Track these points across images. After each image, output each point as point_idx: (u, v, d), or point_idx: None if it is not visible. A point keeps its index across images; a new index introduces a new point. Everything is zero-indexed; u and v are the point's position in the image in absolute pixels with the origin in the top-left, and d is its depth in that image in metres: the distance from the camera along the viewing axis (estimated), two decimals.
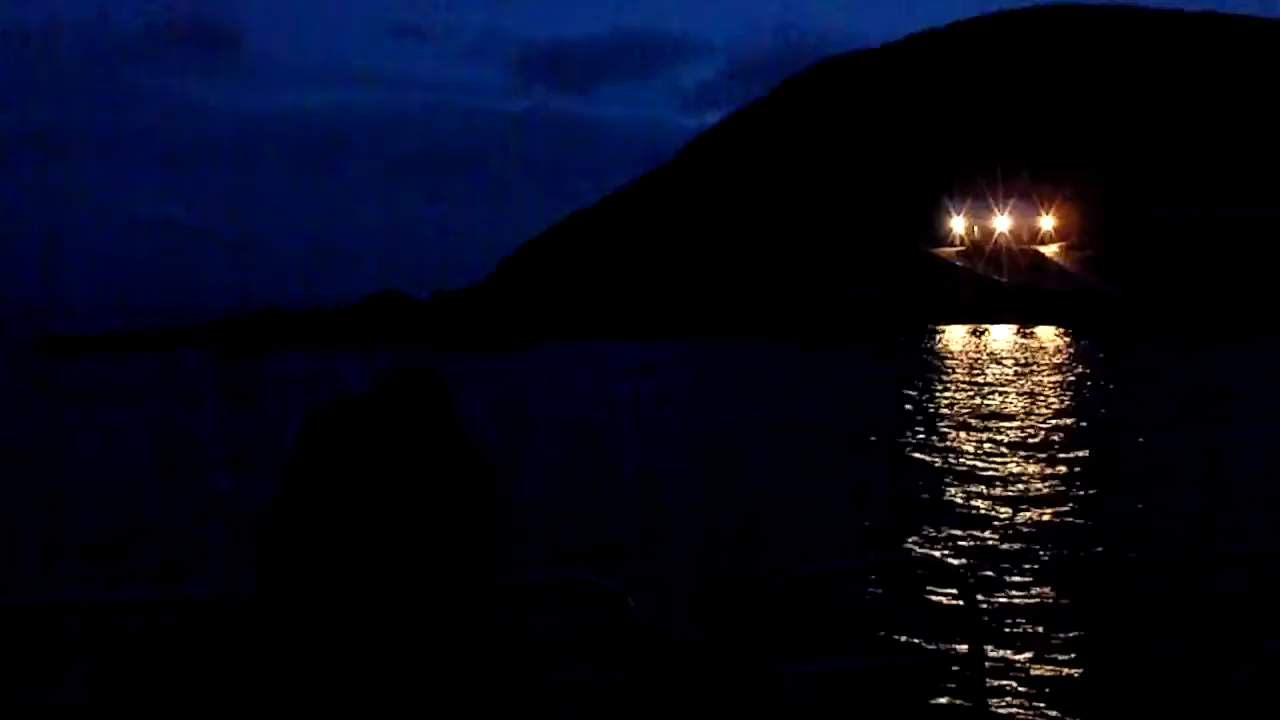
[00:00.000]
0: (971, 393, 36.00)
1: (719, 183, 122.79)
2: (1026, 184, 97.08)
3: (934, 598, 10.23)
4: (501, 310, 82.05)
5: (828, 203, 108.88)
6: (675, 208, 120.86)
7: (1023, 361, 49.20)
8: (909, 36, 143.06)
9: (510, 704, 3.83)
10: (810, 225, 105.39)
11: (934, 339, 67.03)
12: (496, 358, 56.33)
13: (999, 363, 48.94)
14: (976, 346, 61.70)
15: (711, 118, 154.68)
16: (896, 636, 9.70)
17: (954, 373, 44.43)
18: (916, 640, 9.73)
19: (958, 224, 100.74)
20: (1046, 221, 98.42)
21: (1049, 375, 42.21)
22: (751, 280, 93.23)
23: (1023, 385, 38.10)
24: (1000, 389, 36.96)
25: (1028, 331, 71.64)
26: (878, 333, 68.17)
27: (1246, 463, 20.26)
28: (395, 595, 3.03)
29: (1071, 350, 56.85)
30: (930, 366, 47.58)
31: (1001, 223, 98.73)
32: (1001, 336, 68.11)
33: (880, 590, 10.38)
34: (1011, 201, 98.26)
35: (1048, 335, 67.85)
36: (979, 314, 77.74)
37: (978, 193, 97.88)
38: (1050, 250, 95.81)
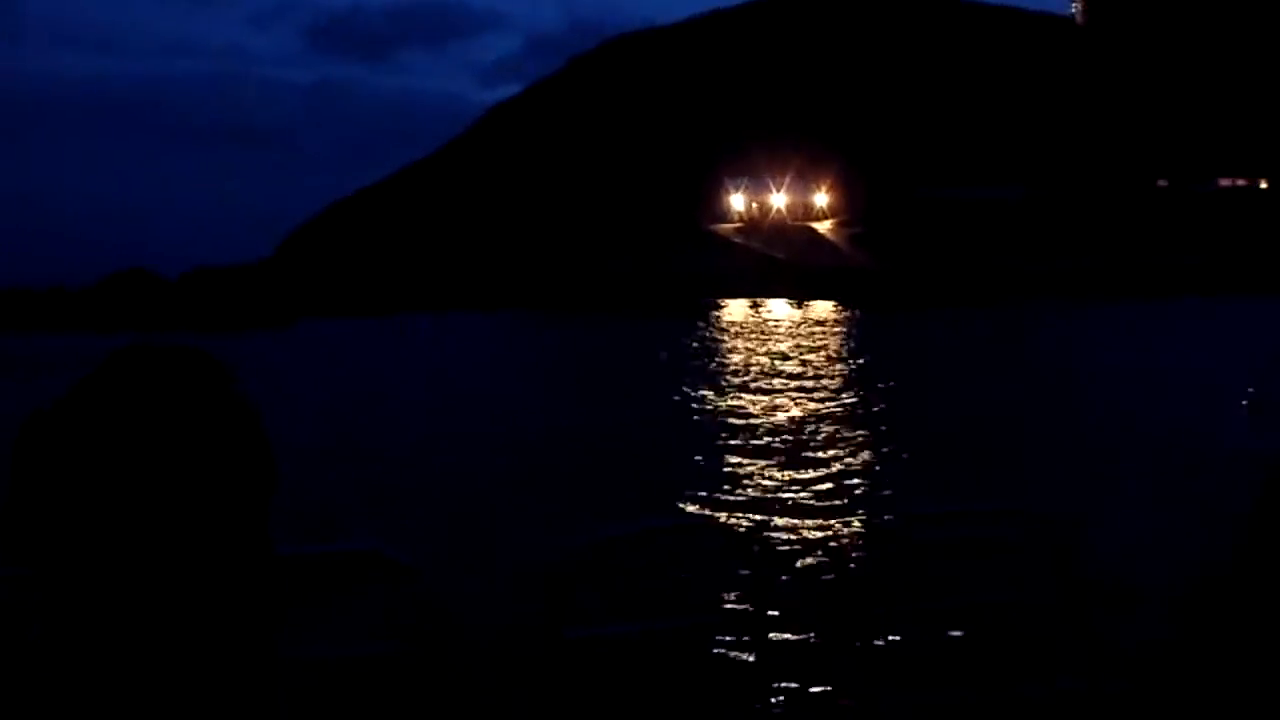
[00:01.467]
0: (748, 358, 37.04)
1: (509, 158, 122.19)
2: (803, 162, 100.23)
3: (718, 560, 10.44)
4: (270, 288, 79.10)
5: (612, 180, 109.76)
6: (465, 183, 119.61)
7: (796, 331, 50.88)
8: (696, 16, 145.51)
9: (294, 680, 3.67)
10: (594, 201, 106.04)
11: (716, 312, 68.60)
12: (250, 337, 54.36)
13: (775, 331, 50.49)
14: (755, 318, 63.49)
15: (509, 92, 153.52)
16: (683, 599, 9.85)
17: (734, 340, 45.62)
18: (703, 601, 9.91)
19: (737, 201, 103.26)
20: (820, 199, 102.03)
21: (817, 343, 43.80)
22: (536, 254, 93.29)
23: (793, 352, 39.42)
24: (776, 356, 38.15)
25: (803, 304, 74.10)
26: (659, 304, 69.27)
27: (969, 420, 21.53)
28: (162, 576, 2.84)
29: (840, 321, 59.17)
30: (711, 336, 48.66)
31: (778, 200, 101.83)
32: (779, 309, 70.25)
33: (667, 554, 10.52)
34: (788, 179, 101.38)
35: (821, 308, 70.36)
36: (758, 288, 79.87)
37: (757, 171, 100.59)
38: (823, 226, 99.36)
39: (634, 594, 9.70)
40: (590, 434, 21.22)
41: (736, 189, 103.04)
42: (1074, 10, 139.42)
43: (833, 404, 25.54)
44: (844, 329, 53.66)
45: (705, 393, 28.32)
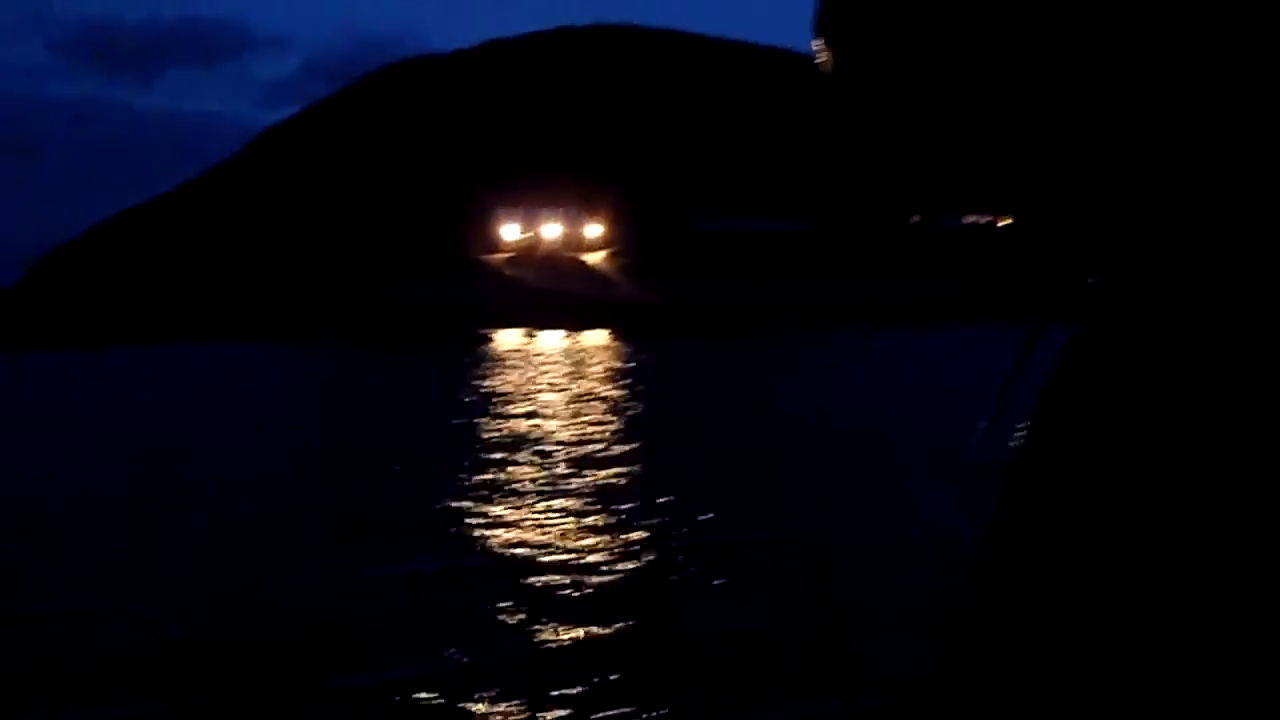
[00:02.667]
0: (519, 388, 37.06)
1: (279, 183, 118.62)
2: (575, 194, 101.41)
3: (487, 598, 10.39)
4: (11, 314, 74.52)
5: (384, 208, 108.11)
6: (233, 207, 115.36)
7: (566, 360, 51.22)
8: (475, 45, 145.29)
9: None
10: (366, 230, 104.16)
11: (487, 343, 68.35)
12: None
13: (544, 362, 50.67)
14: (527, 348, 63.55)
15: (287, 115, 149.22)
16: (451, 644, 9.73)
17: (503, 372, 45.53)
18: (473, 643, 9.84)
19: (510, 231, 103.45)
20: (593, 230, 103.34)
21: (583, 374, 44.24)
22: (303, 282, 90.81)
23: (560, 382, 39.68)
24: (540, 388, 38.28)
25: (575, 334, 74.67)
26: (428, 336, 68.54)
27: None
28: None
29: (610, 350, 59.92)
30: (478, 366, 48.44)
31: (551, 231, 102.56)
32: (551, 339, 70.53)
33: (441, 597, 10.41)
34: (561, 211, 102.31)
35: (593, 338, 71.05)
36: (530, 318, 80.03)
37: (530, 202, 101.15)
38: (595, 258, 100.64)
39: (400, 638, 9.56)
40: (334, 469, 20.79)
41: (509, 219, 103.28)
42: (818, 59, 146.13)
43: (596, 433, 25.80)
44: (611, 359, 54.36)
45: (476, 419, 28.19)
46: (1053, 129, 0.89)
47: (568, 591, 11.90)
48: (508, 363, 51.81)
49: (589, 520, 16.00)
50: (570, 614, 10.97)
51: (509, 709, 8.57)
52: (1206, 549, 0.75)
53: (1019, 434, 0.91)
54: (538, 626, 10.16)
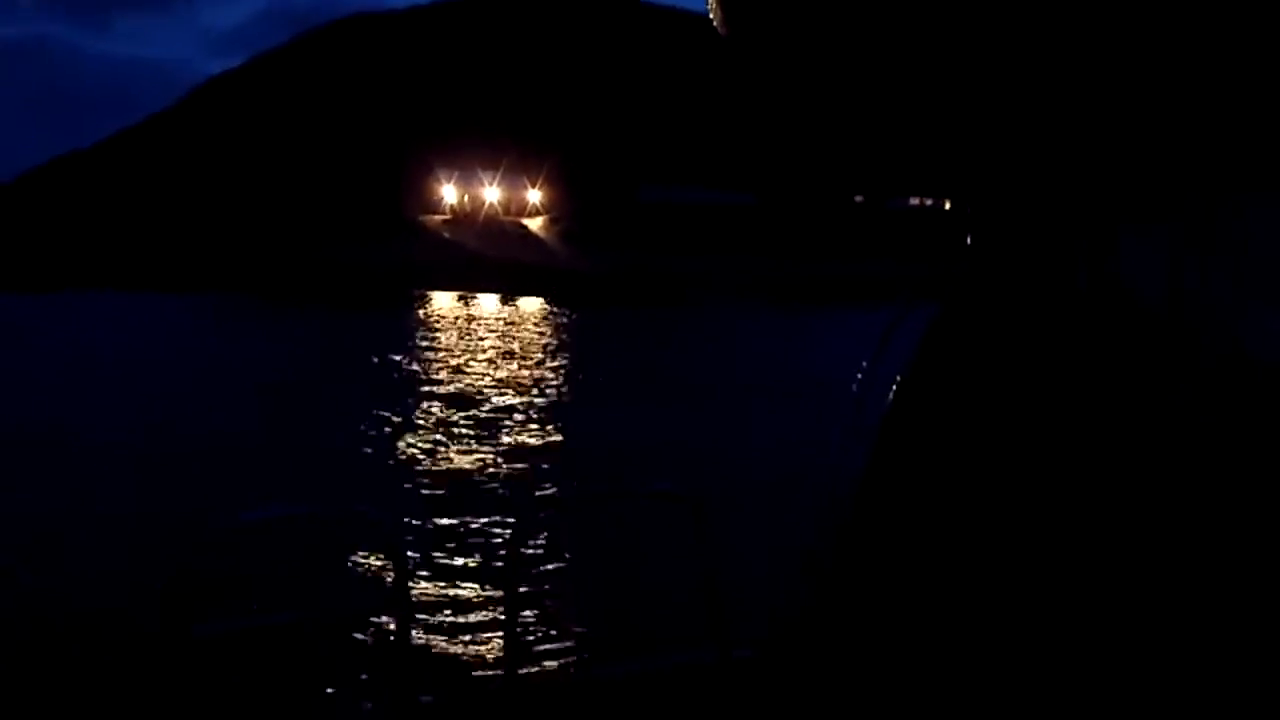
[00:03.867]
0: (446, 353, 37.05)
1: (222, 133, 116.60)
2: (517, 157, 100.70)
3: (357, 549, 10.52)
4: None
5: (325, 164, 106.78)
6: (174, 157, 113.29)
7: (496, 326, 51.21)
8: (427, 4, 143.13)
9: None
10: (306, 184, 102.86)
11: (423, 304, 68.00)
12: None
13: (473, 324, 50.64)
14: (462, 311, 63.32)
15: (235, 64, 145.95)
16: (320, 589, 9.88)
17: (435, 333, 45.48)
18: (339, 591, 9.98)
19: (449, 193, 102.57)
20: (533, 195, 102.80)
21: (513, 337, 44.30)
22: (241, 237, 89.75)
23: (489, 345, 39.73)
24: (469, 351, 38.31)
25: (511, 300, 74.48)
26: (363, 296, 68.10)
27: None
28: None
29: (543, 317, 59.92)
30: (415, 328, 48.31)
31: (491, 194, 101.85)
32: (487, 304, 70.29)
33: (303, 543, 10.49)
34: (501, 173, 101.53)
35: (529, 304, 70.92)
36: (466, 282, 79.65)
37: (470, 163, 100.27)
38: (535, 223, 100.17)
39: (267, 585, 9.66)
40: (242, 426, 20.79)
41: (449, 180, 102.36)
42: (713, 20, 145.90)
43: (505, 397, 25.97)
44: (544, 325, 54.40)
45: (401, 382, 28.20)
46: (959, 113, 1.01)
47: (448, 544, 12.09)
48: (436, 326, 51.69)
49: (486, 475, 16.19)
50: (441, 567, 11.16)
51: (377, 652, 8.70)
52: (1050, 512, 0.87)
53: (886, 401, 1.05)
54: (403, 570, 10.26)
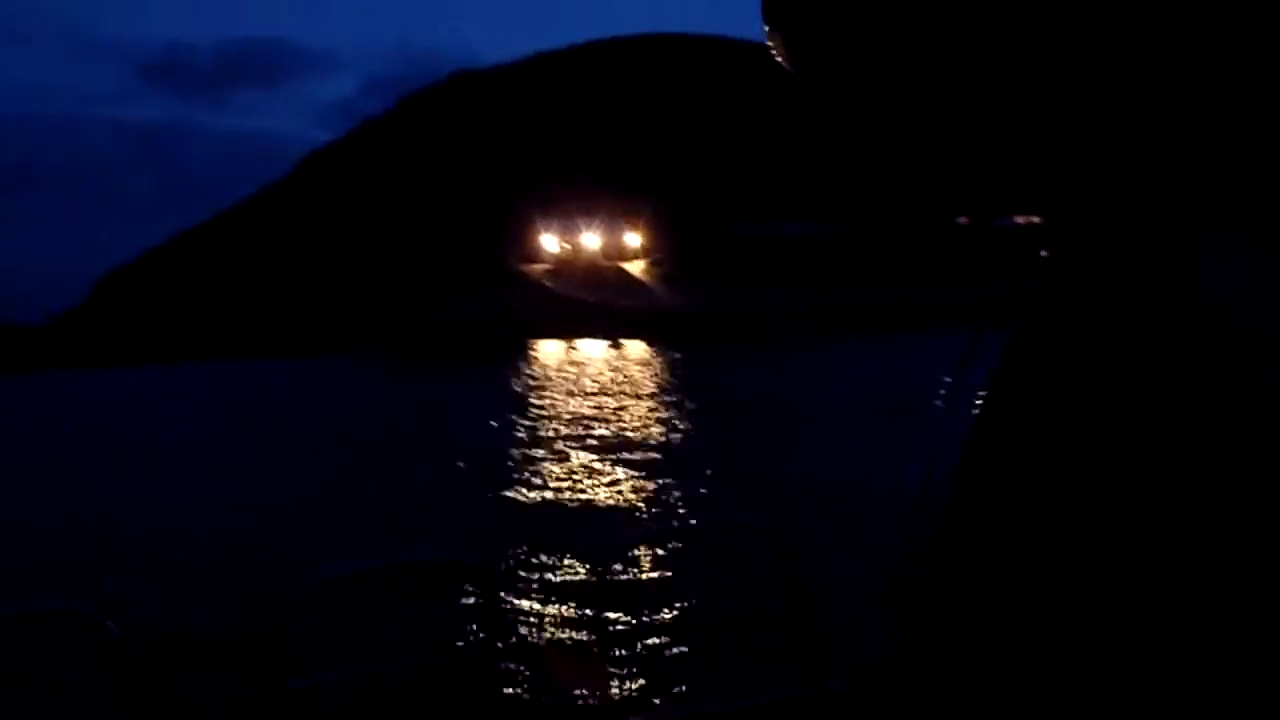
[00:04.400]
0: (551, 401, 37.47)
1: (333, 198, 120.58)
2: (615, 203, 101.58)
3: (456, 596, 10.72)
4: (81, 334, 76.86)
5: (430, 220, 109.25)
6: (284, 225, 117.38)
7: (604, 372, 51.59)
8: (524, 58, 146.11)
9: None
10: (413, 243, 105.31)
11: (529, 353, 68.90)
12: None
13: (580, 372, 51.09)
14: (567, 359, 64.00)
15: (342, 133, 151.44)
16: (419, 638, 10.07)
17: (544, 384, 46.02)
18: (442, 639, 10.13)
19: (550, 241, 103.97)
20: (633, 238, 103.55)
21: (619, 381, 44.57)
22: (345, 297, 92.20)
23: (596, 390, 40.04)
24: (579, 397, 38.66)
25: (617, 344, 74.98)
26: (472, 348, 69.23)
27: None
28: None
29: (650, 361, 60.20)
30: (519, 379, 48.94)
31: (591, 240, 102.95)
32: (593, 350, 70.89)
33: (400, 592, 10.73)
34: (600, 219, 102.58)
35: (635, 348, 71.33)
36: (570, 329, 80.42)
37: (569, 211, 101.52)
38: (635, 267, 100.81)
39: (360, 636, 9.91)
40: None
41: (549, 230, 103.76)
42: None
43: (611, 439, 26.18)
44: (650, 368, 54.65)
45: (512, 427, 28.63)
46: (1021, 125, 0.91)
47: (543, 582, 12.25)
48: (544, 375, 52.30)
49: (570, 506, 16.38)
50: (535, 610, 11.30)
51: (479, 699, 8.84)
52: (1152, 535, 0.75)
53: (971, 423, 0.93)
54: (500, 620, 10.41)
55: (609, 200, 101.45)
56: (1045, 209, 0.94)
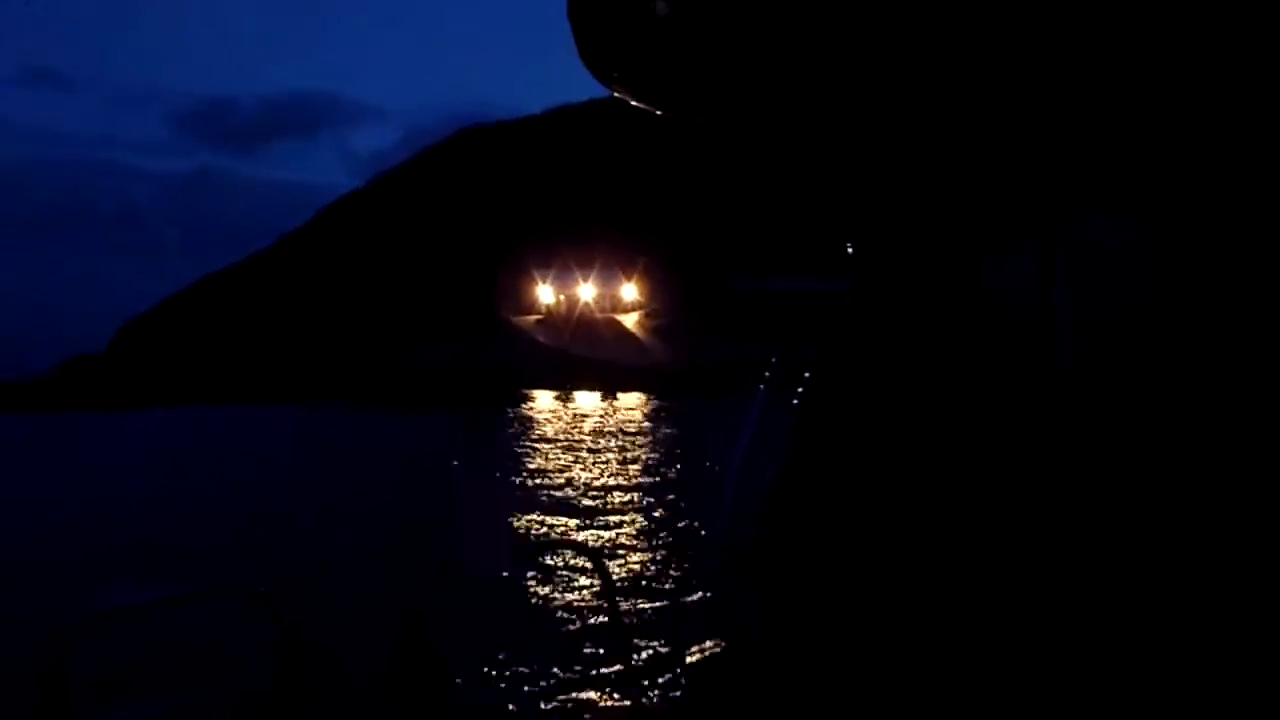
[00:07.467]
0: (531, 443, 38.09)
1: (345, 246, 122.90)
2: (610, 254, 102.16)
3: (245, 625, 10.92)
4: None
5: (430, 269, 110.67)
6: (303, 270, 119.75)
7: (590, 420, 52.12)
8: (544, 111, 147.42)
9: None
10: (411, 291, 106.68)
11: (523, 404, 69.25)
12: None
13: (571, 420, 51.63)
14: (556, 410, 64.46)
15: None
16: (211, 671, 10.30)
17: (526, 434, 46.58)
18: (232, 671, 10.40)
19: (545, 293, 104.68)
20: (628, 291, 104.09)
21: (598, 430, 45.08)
22: (341, 345, 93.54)
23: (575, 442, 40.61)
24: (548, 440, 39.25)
25: (612, 395, 75.21)
26: (467, 397, 69.78)
27: None
28: None
29: (642, 411, 60.63)
30: (502, 430, 49.51)
31: (586, 292, 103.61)
32: (587, 401, 71.20)
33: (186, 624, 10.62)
34: (596, 270, 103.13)
35: (629, 398, 71.56)
36: (561, 381, 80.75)
37: (565, 261, 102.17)
38: (630, 319, 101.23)
39: (150, 669, 10.23)
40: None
41: (544, 280, 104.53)
42: None
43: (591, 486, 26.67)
44: (645, 419, 55.15)
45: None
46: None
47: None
48: (528, 425, 52.89)
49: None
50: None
51: None
52: (957, 512, 0.84)
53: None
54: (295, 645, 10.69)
55: (606, 251, 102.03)
56: (857, 237, 0.94)
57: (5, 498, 28.89)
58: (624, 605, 12.31)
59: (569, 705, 9.67)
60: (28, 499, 28.89)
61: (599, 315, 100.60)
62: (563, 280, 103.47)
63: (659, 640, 11.59)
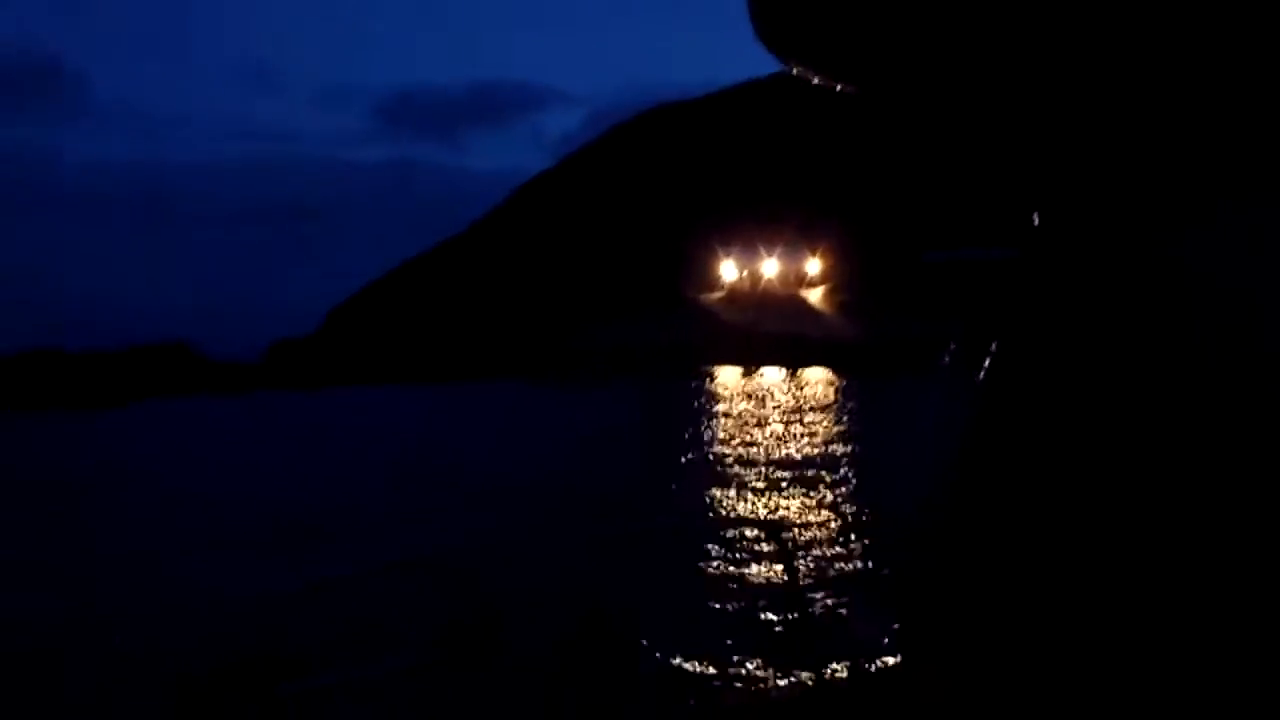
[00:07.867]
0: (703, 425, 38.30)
1: (535, 228, 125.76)
2: (795, 229, 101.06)
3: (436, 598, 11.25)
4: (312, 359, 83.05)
5: (618, 248, 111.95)
6: (499, 252, 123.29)
7: (777, 398, 51.89)
8: (731, 86, 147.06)
9: None
10: (599, 270, 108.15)
11: (709, 379, 69.37)
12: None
13: (752, 398, 51.52)
14: (745, 385, 64.43)
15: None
16: (402, 641, 10.69)
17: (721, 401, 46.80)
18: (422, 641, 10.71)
19: (728, 269, 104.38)
20: (812, 266, 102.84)
21: (790, 409, 44.85)
22: (532, 325, 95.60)
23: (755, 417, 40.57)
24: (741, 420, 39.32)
25: (795, 371, 74.57)
26: (652, 372, 70.36)
27: None
28: None
29: (829, 388, 60.04)
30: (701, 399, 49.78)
31: (769, 267, 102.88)
32: (772, 376, 70.80)
33: (385, 596, 11.03)
34: (779, 247, 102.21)
35: (813, 374, 70.79)
36: (743, 357, 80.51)
37: (750, 238, 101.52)
38: (814, 294, 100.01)
39: (350, 639, 10.69)
40: None
41: (728, 256, 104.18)
42: None
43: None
44: (830, 396, 54.68)
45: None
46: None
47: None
48: (712, 399, 52.99)
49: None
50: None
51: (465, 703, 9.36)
52: (1152, 527, 0.74)
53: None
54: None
55: (792, 227, 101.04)
56: (1042, 205, 0.98)
57: (237, 465, 30.77)
58: (806, 582, 12.28)
59: (749, 677, 9.70)
60: (244, 470, 30.61)
61: (782, 291, 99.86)
62: (746, 256, 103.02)
63: (840, 615, 11.56)
